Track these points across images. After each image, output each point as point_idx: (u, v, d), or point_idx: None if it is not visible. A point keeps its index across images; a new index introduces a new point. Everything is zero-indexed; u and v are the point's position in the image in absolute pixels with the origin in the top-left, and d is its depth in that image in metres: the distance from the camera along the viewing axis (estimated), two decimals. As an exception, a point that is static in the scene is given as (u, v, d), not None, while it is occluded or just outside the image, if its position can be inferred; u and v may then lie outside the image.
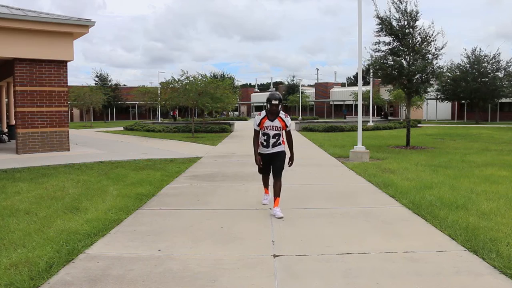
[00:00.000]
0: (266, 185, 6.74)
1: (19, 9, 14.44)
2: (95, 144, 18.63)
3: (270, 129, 6.09)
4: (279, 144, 6.20)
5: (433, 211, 5.96)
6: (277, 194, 6.08)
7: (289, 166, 6.42)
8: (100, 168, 10.48)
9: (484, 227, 5.12)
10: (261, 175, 6.70)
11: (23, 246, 4.52)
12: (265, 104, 6.26)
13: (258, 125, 6.13)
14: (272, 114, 6.08)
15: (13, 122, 18.87)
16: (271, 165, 6.30)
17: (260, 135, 6.21)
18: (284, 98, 64.67)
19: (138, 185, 8.07)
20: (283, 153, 6.20)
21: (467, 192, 7.25)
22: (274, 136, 6.12)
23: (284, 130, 6.18)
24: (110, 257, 4.26)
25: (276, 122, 6.07)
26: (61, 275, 3.78)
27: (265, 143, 6.18)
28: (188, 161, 12.01)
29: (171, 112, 31.58)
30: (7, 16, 13.14)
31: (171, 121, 41.15)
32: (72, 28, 14.40)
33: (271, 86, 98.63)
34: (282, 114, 6.12)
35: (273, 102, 5.96)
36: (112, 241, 4.79)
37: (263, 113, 6.18)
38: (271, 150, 6.19)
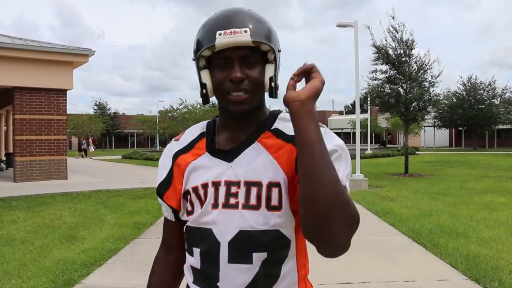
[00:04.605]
0: None
1: (20, 38, 14.64)
2: (93, 172, 18.56)
3: (215, 206, 1.09)
4: None
5: (433, 239, 5.91)
6: None
7: None
8: (98, 197, 10.42)
9: (485, 255, 5.07)
10: None
11: (18, 276, 4.45)
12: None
13: (162, 192, 1.20)
14: (231, 116, 1.14)
15: (11, 150, 18.86)
16: None
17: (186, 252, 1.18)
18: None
19: (136, 214, 8.01)
20: None
21: (467, 220, 7.20)
22: (242, 258, 1.06)
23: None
24: (107, 287, 4.20)
25: (253, 162, 1.09)
26: (56, 306, 3.71)
27: None
28: (187, 189, 11.95)
29: None
30: (8, 46, 13.31)
31: None
32: (72, 57, 14.56)
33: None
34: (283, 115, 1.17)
35: (220, 36, 1.03)
36: (109, 271, 4.73)
37: (190, 132, 1.23)
38: None
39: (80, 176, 16.46)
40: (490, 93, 42.56)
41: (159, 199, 1.23)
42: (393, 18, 15.08)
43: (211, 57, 1.09)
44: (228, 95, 1.07)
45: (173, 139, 1.29)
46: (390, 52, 15.25)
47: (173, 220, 1.23)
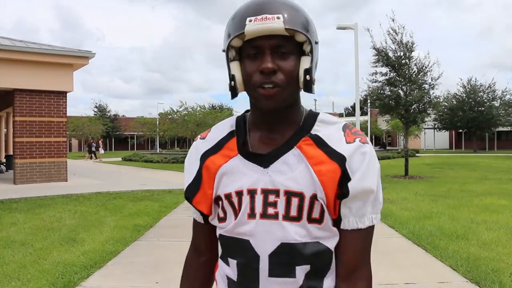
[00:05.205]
0: None
1: (21, 41, 14.66)
2: (93, 174, 18.56)
3: (251, 216, 1.02)
4: None
5: (433, 241, 5.90)
6: None
7: None
8: (98, 199, 10.41)
9: (486, 257, 5.07)
10: None
11: (17, 278, 4.44)
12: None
13: (190, 196, 1.14)
14: (263, 114, 1.04)
15: (11, 152, 18.86)
16: None
17: (219, 258, 1.15)
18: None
19: (136, 216, 8.00)
20: None
21: (467, 222, 7.19)
22: (284, 270, 1.01)
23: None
24: (106, 289, 4.19)
25: (294, 171, 1.01)
26: (56, 309, 3.70)
27: None
28: (187, 191, 11.93)
29: None
30: (9, 48, 13.32)
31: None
32: (73, 60, 14.57)
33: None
34: (325, 120, 1.07)
35: (250, 23, 0.95)
36: (109, 273, 4.72)
37: (218, 130, 1.14)
38: None
39: (80, 178, 16.45)
40: (490, 95, 42.61)
41: (191, 206, 1.16)
42: (393, 20, 15.10)
43: (242, 48, 1.01)
44: (258, 88, 0.98)
45: (199, 136, 1.17)
46: (390, 54, 15.26)
47: (202, 222, 1.17)
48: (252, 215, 1.01)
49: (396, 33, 15.15)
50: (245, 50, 0.99)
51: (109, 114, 61.36)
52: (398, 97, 15.21)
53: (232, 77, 1.01)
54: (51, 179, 14.45)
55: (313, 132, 1.03)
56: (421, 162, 25.36)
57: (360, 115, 15.11)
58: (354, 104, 16.85)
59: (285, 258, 1.00)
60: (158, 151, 42.51)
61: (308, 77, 0.98)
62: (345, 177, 0.98)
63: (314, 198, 0.99)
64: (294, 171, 1.00)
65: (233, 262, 1.06)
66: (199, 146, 1.13)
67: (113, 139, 61.94)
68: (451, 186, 12.71)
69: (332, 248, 1.04)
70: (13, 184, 13.90)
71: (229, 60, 1.02)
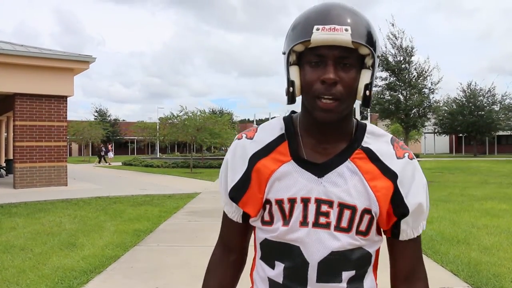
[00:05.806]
0: None
1: (22, 45, 14.68)
2: (93, 179, 18.54)
3: (303, 224, 1.03)
4: None
5: (434, 246, 5.89)
6: None
7: None
8: (98, 204, 10.39)
9: (487, 262, 5.05)
10: None
11: (16, 284, 4.43)
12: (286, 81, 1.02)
13: (237, 197, 1.10)
14: (317, 123, 1.03)
15: (11, 156, 18.86)
16: None
17: (257, 259, 1.15)
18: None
19: (135, 221, 7.99)
20: None
21: (468, 226, 7.18)
22: (334, 271, 1.04)
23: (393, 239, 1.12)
24: (106, 295, 4.18)
25: (348, 183, 1.02)
26: (55, 314, 3.69)
27: None
28: (186, 197, 11.93)
29: None
30: (10, 52, 13.33)
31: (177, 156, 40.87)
32: (73, 64, 14.59)
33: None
34: (378, 135, 1.10)
35: (317, 31, 0.93)
36: (109, 279, 4.71)
37: (266, 131, 1.11)
38: None
39: (80, 182, 16.43)
40: (490, 100, 42.72)
41: (229, 202, 1.13)
42: (393, 25, 15.18)
43: (302, 53, 0.99)
44: (317, 99, 0.97)
45: (244, 135, 1.13)
46: (390, 59, 15.32)
47: (240, 222, 1.15)
48: (304, 223, 1.03)
49: (396, 38, 15.22)
50: (307, 56, 0.98)
51: (109, 118, 61.43)
52: (398, 101, 15.26)
53: (291, 83, 1.01)
54: (51, 184, 14.43)
55: (364, 144, 1.06)
56: (421, 167, 25.19)
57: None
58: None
59: (334, 266, 1.03)
60: (158, 156, 42.54)
61: (368, 92, 0.98)
62: (397, 195, 1.03)
63: (365, 212, 1.02)
64: (347, 184, 1.02)
65: (280, 265, 1.07)
66: (246, 147, 1.10)
67: (113, 144, 61.95)
68: (452, 190, 12.69)
69: (372, 252, 1.09)
70: (13, 189, 13.88)
71: (288, 64, 1.01)
